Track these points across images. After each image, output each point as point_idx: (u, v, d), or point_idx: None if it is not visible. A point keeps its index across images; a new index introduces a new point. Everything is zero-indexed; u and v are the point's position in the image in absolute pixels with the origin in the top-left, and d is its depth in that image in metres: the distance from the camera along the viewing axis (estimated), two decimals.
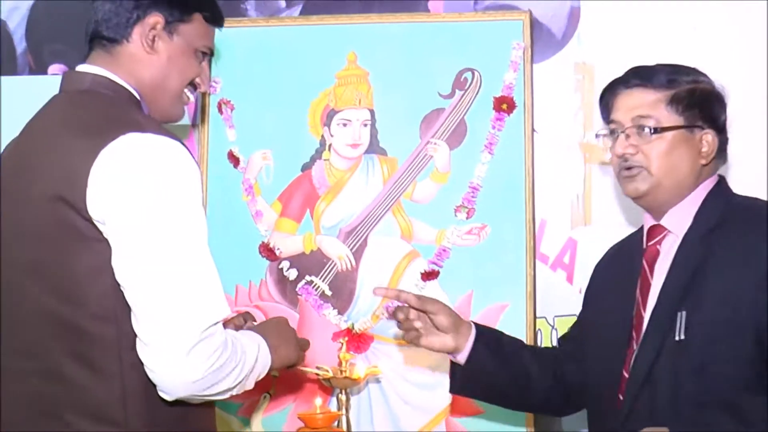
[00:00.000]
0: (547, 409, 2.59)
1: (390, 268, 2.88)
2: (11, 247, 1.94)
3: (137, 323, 1.83)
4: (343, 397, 2.71)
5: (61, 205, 1.87)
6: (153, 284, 1.81)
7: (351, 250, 2.89)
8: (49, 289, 1.89)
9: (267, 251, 2.91)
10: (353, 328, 2.86)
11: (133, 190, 1.83)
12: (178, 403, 1.89)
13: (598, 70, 2.94)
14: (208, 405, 2.00)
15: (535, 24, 2.92)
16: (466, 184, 2.86)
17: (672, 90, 2.25)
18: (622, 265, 2.35)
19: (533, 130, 2.88)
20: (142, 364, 1.85)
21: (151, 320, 1.81)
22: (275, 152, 2.96)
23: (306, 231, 2.92)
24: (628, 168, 2.25)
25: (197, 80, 2.10)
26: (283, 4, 3.10)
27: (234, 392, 1.91)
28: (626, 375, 2.19)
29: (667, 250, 2.24)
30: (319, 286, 2.89)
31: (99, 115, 1.93)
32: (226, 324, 2.27)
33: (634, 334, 2.21)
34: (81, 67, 2.04)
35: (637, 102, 2.26)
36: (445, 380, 2.81)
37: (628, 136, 2.24)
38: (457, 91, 2.90)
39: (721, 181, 2.28)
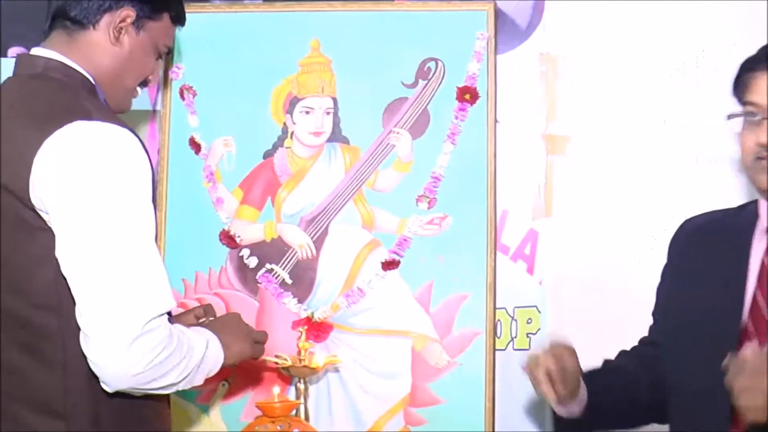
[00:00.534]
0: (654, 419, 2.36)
1: (351, 257, 2.86)
2: None
3: (79, 314, 1.80)
4: (301, 386, 2.70)
5: (5, 194, 1.84)
6: (95, 275, 1.78)
7: (312, 238, 2.88)
8: None
9: (227, 238, 2.89)
10: (313, 316, 2.85)
11: (77, 180, 1.80)
12: (125, 396, 1.86)
13: (561, 61, 2.95)
14: (158, 399, 1.97)
15: (499, 14, 2.92)
16: (429, 173, 2.86)
17: None
18: (719, 253, 2.12)
19: (496, 120, 2.87)
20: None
21: (92, 311, 1.78)
22: (237, 139, 2.93)
23: (267, 219, 2.90)
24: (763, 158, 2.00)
25: (150, 77, 2.10)
26: None
27: (180, 387, 1.89)
28: None
29: None
30: (279, 275, 2.88)
31: (48, 102, 1.90)
32: (185, 315, 2.27)
33: (751, 328, 2.02)
34: (36, 50, 2.01)
35: None
36: (404, 370, 2.82)
37: None
38: (420, 80, 2.89)
39: None
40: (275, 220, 2.90)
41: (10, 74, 2.06)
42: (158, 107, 3.01)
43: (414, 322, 2.82)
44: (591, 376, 2.23)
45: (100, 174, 1.81)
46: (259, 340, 2.23)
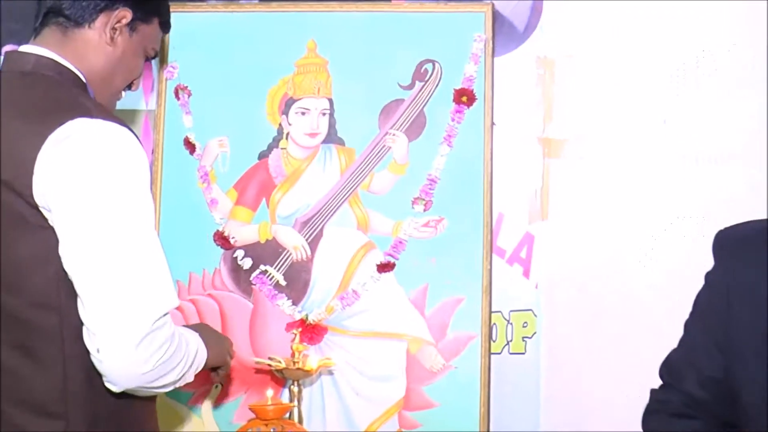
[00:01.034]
0: None
1: (345, 259, 2.85)
2: None
3: (86, 313, 1.79)
4: (295, 389, 2.68)
5: (3, 190, 1.83)
6: (103, 273, 1.77)
7: (307, 240, 2.87)
8: None
9: (221, 239, 2.88)
10: (307, 319, 2.83)
11: (82, 178, 1.79)
12: (120, 396, 1.85)
13: (559, 64, 2.94)
14: (149, 399, 1.97)
15: (497, 17, 2.91)
16: (424, 176, 2.84)
17: None
18: None
19: (493, 123, 2.86)
20: (85, 355, 1.81)
21: (101, 310, 1.77)
22: (232, 140, 2.92)
23: (261, 220, 2.89)
24: None
25: (135, 80, 2.10)
26: None
27: (177, 385, 1.88)
28: None
29: None
30: (273, 276, 2.86)
31: (45, 99, 1.89)
32: None
33: None
34: (25, 48, 1.99)
35: None
36: (399, 373, 2.81)
37: None
38: (417, 82, 2.88)
39: None
40: (270, 222, 2.88)
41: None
42: (152, 107, 3.00)
43: (409, 325, 2.81)
44: None
45: (105, 172, 1.81)
46: (230, 353, 2.23)
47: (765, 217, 2.09)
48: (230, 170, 2.91)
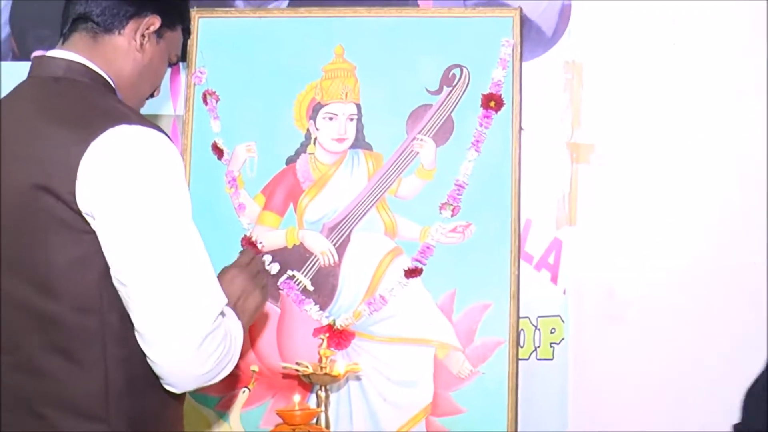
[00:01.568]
0: None
1: (373, 264, 2.85)
2: None
3: (141, 319, 1.80)
4: (322, 394, 2.68)
5: (43, 195, 1.83)
6: (159, 280, 1.79)
7: (334, 245, 2.87)
8: (27, 281, 1.86)
9: (249, 244, 2.88)
10: (334, 324, 2.83)
11: (128, 184, 1.81)
12: (157, 397, 1.87)
13: (587, 69, 2.93)
14: (181, 400, 1.98)
15: (525, 21, 2.90)
16: (452, 181, 2.84)
17: None
18: None
19: (521, 128, 2.85)
20: (125, 357, 1.84)
21: (159, 316, 1.78)
22: (260, 145, 2.93)
23: (289, 225, 2.89)
24: None
25: (156, 89, 2.13)
26: None
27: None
28: None
29: None
30: (300, 281, 2.86)
31: (82, 105, 1.90)
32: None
33: None
34: (54, 53, 2.00)
35: None
36: (426, 379, 2.80)
37: None
38: (444, 87, 2.88)
39: None
40: (297, 227, 2.89)
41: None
42: (181, 112, 3.01)
43: (436, 330, 2.80)
44: None
45: (150, 178, 1.82)
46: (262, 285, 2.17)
47: None
48: (258, 175, 2.92)
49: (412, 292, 2.82)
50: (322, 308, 2.85)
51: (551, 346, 2.90)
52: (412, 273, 2.83)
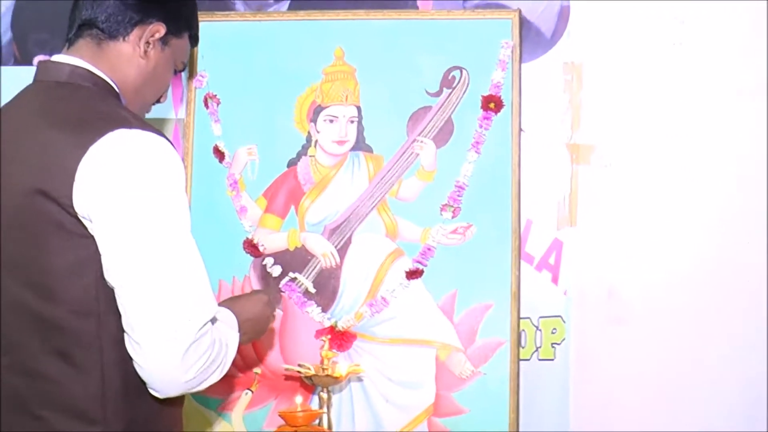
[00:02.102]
0: None
1: (374, 266, 2.86)
2: None
3: (129, 323, 1.80)
4: (324, 396, 2.69)
5: (42, 199, 1.84)
6: (149, 284, 1.79)
7: (335, 247, 2.88)
8: (25, 284, 1.86)
9: (251, 247, 2.89)
10: (336, 325, 2.84)
11: (125, 188, 1.81)
12: (155, 400, 1.88)
13: (586, 70, 2.93)
14: (179, 403, 1.99)
15: (524, 23, 2.91)
16: (452, 182, 2.85)
17: None
18: None
19: (520, 129, 2.86)
20: (122, 360, 1.84)
21: (147, 321, 1.78)
22: (261, 147, 2.93)
23: (290, 227, 2.90)
24: None
25: (163, 93, 2.13)
26: None
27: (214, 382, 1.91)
28: None
29: None
30: (302, 283, 2.87)
31: (83, 109, 1.91)
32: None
33: None
34: (58, 58, 2.01)
35: None
36: (428, 380, 2.81)
37: None
38: (444, 89, 2.89)
39: None
40: (299, 229, 2.89)
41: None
42: (182, 116, 3.02)
43: (438, 331, 2.81)
44: None
45: (147, 182, 1.82)
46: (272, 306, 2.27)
47: None
48: (259, 178, 2.93)
49: (414, 294, 2.83)
50: (324, 310, 2.86)
51: (552, 347, 2.90)
52: (413, 274, 2.83)
